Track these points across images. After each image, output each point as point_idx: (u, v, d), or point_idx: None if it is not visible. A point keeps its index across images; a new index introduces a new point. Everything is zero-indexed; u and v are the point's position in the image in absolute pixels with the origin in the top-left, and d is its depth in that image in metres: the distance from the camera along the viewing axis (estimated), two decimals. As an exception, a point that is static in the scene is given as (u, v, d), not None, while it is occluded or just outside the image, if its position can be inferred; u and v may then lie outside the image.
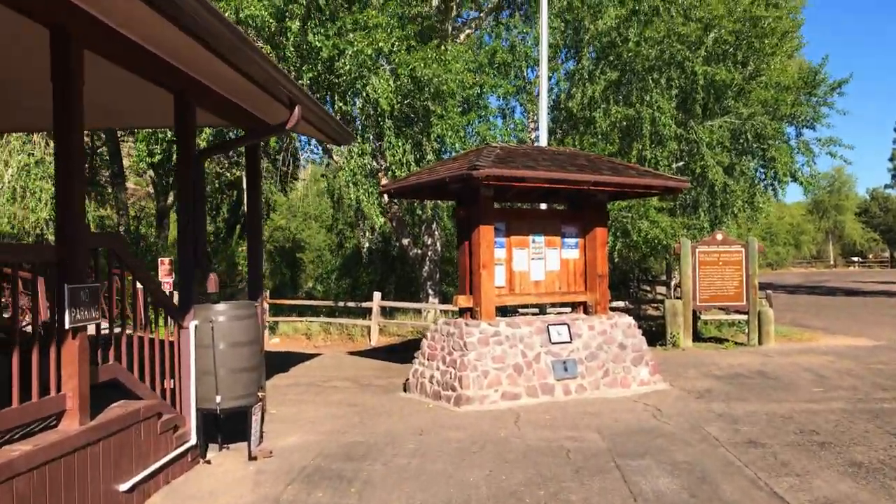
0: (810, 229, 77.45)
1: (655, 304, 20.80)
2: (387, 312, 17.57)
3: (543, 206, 12.33)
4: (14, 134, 15.94)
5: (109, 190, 28.14)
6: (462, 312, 9.77)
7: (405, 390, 9.98)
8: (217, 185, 29.68)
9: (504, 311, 10.98)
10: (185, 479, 6.12)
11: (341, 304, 16.70)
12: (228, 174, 28.43)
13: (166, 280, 17.48)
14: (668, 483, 5.86)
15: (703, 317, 16.60)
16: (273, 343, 16.52)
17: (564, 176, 9.21)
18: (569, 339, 9.78)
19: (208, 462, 6.60)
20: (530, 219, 10.26)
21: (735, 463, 6.40)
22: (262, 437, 6.97)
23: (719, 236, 15.63)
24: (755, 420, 8.06)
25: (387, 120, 13.38)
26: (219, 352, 6.52)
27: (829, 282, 45.90)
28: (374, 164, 14.99)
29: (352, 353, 14.79)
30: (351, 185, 13.98)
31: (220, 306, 6.72)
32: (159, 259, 17.97)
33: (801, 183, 19.49)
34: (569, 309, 11.42)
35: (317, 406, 9.11)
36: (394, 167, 13.47)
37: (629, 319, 10.46)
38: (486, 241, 9.46)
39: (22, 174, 15.95)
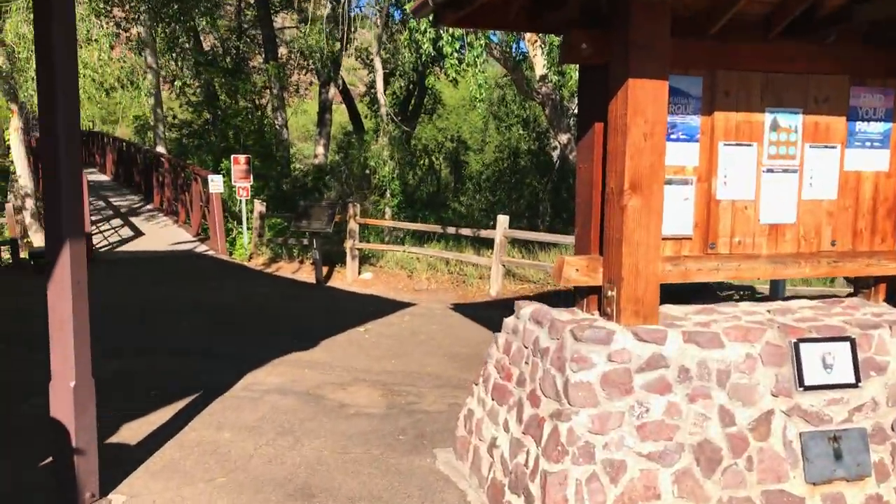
0: None
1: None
2: (530, 248, 12.04)
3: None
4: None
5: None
6: (576, 297, 4.15)
7: (455, 449, 4.65)
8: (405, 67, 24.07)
9: (676, 293, 4.69)
10: None
11: (452, 230, 11.43)
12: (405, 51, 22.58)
13: (241, 184, 13.26)
14: None
15: None
16: (361, 279, 11.77)
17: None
18: (853, 380, 3.83)
19: None
20: (768, 66, 4.16)
21: None
22: None
23: None
24: None
25: None
26: None
27: None
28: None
29: (456, 307, 9.63)
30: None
31: None
32: (233, 156, 13.75)
33: None
34: (839, 289, 5.27)
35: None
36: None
37: None
38: (640, 116, 3.67)
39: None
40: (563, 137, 12.53)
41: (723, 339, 3.74)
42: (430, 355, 7.19)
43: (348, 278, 11.88)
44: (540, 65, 11.53)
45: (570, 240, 10.41)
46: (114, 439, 4.82)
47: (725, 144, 4.09)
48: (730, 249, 4.15)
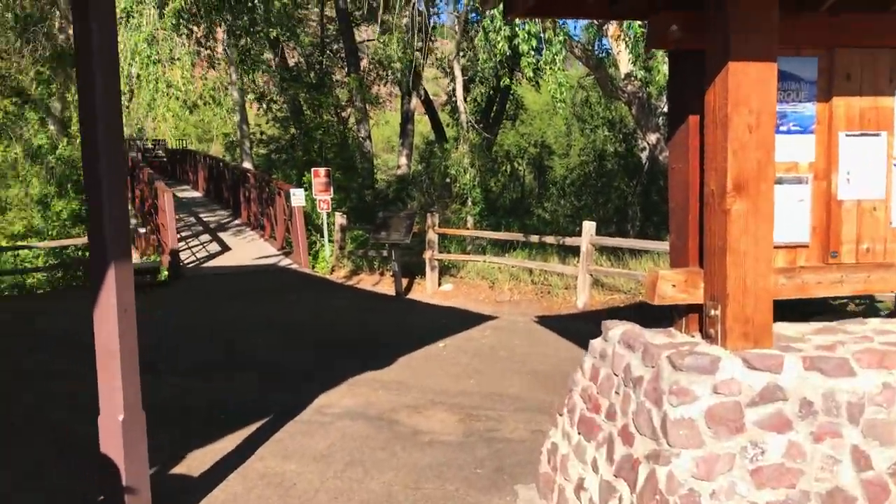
0: None
1: None
2: (619, 255, 11.39)
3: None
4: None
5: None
6: (674, 315, 3.63)
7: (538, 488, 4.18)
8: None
9: (788, 307, 4.06)
10: None
11: (535, 238, 10.93)
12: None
13: (322, 197, 13.19)
14: None
15: None
16: (442, 291, 11.43)
17: None
18: None
19: None
20: (898, 46, 3.56)
21: None
22: None
23: None
24: None
25: None
26: None
27: None
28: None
29: (540, 320, 9.14)
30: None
31: None
32: (313, 169, 13.71)
33: None
34: None
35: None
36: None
37: None
38: (744, 105, 3.13)
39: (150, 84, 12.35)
40: (652, 137, 11.85)
41: (853, 365, 3.15)
42: (511, 374, 6.74)
43: (428, 290, 11.57)
44: (624, 61, 10.93)
45: (662, 246, 9.76)
46: (178, 469, 4.61)
47: (847, 135, 3.49)
48: (856, 258, 3.54)
